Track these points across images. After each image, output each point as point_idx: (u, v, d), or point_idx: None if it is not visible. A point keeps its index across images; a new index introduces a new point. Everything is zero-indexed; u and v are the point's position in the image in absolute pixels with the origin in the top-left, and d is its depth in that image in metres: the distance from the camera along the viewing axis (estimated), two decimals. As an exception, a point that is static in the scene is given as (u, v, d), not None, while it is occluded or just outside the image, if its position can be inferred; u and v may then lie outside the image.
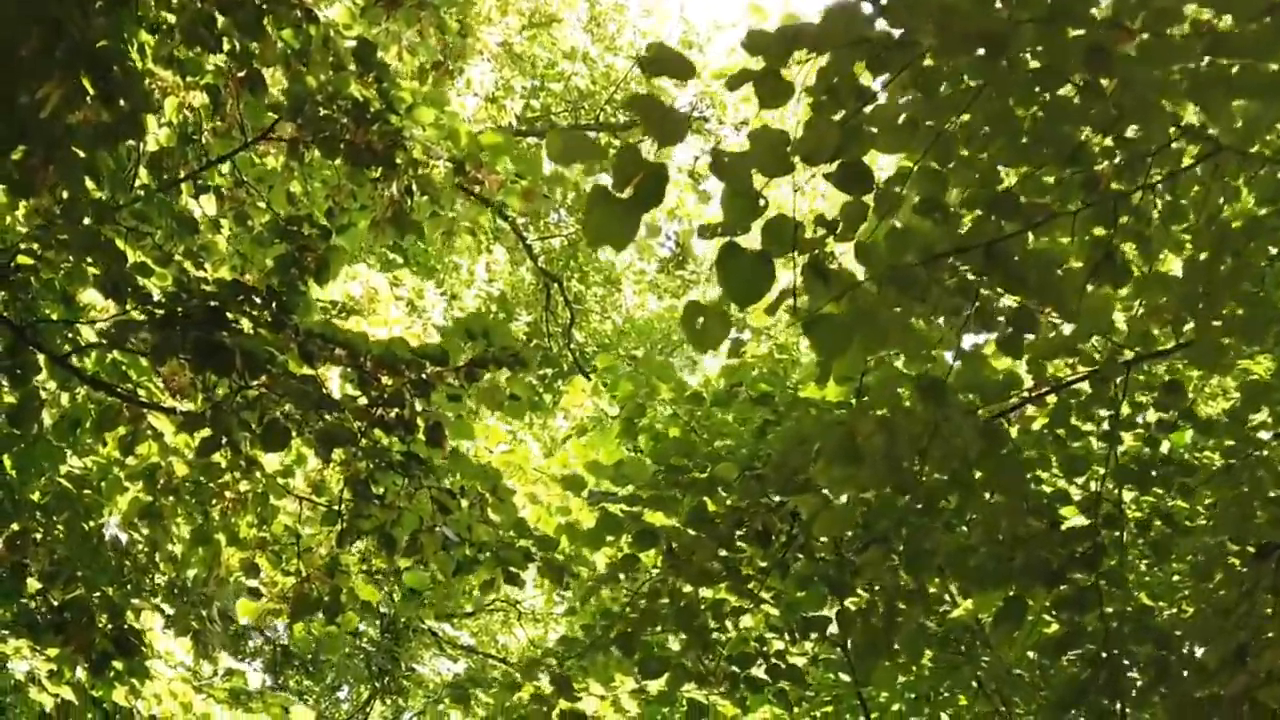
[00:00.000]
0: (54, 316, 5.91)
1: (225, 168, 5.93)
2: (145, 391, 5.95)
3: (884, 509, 4.68)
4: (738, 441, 6.40)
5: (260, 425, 5.15)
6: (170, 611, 7.40)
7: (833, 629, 7.42)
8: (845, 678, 7.95)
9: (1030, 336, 4.62)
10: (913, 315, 4.28)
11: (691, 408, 6.80)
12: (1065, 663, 6.09)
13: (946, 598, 8.35)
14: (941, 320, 4.55)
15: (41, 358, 5.80)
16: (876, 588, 6.34)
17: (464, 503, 5.43)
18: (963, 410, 4.50)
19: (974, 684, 7.81)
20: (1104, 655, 5.71)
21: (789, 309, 7.32)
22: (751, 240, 3.75)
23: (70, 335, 5.83)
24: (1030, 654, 7.85)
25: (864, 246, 3.89)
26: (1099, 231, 4.59)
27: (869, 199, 3.81)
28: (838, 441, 4.47)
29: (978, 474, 4.76)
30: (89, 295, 5.88)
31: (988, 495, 5.19)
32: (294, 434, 5.24)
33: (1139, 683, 5.74)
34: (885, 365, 4.82)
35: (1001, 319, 4.57)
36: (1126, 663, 5.77)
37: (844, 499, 4.67)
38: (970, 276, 4.29)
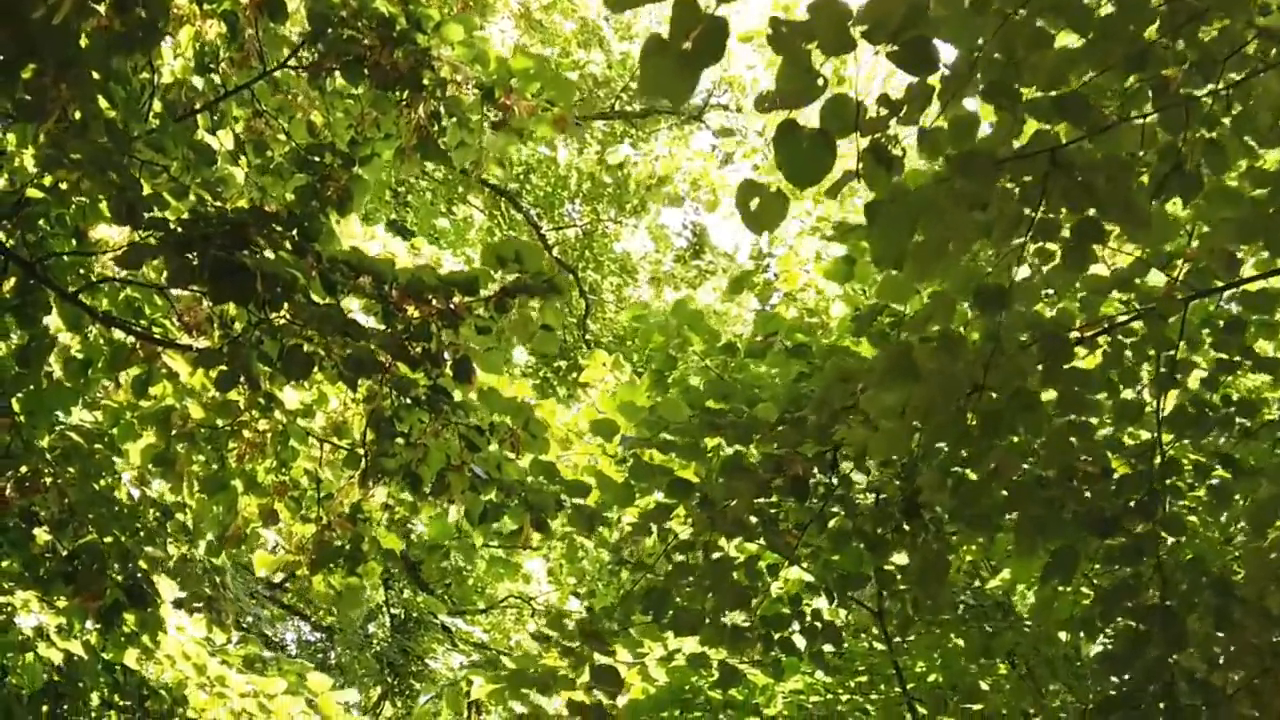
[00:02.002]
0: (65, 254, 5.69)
1: (243, 97, 5.69)
2: (160, 330, 5.72)
3: (941, 433, 4.40)
4: (773, 393, 6.16)
5: (281, 356, 4.91)
6: (181, 593, 7.17)
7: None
8: (880, 647, 7.71)
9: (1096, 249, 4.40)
10: (974, 220, 4.05)
11: (725, 359, 6.56)
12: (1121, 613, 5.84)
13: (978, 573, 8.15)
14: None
15: (52, 295, 5.58)
16: (919, 540, 6.12)
17: (493, 440, 5.18)
18: (1025, 323, 4.26)
19: (1006, 658, 7.58)
20: (1162, 605, 5.47)
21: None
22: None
23: (82, 272, 5.61)
24: (1062, 634, 7.63)
25: (928, 132, 3.67)
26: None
27: (934, 80, 3.58)
28: (893, 359, 4.23)
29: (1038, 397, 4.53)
30: (101, 230, 5.66)
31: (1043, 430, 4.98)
32: (316, 366, 5.00)
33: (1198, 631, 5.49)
34: (947, 272, 4.54)
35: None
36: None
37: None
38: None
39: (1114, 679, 5.73)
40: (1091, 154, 4.13)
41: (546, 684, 5.69)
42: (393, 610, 19.60)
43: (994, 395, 4.30)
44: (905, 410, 4.30)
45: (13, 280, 5.62)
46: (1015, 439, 4.92)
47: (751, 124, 12.29)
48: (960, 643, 7.39)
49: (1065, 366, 4.32)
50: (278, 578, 19.93)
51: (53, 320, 5.73)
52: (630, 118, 16.86)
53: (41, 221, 5.71)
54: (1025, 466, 5.39)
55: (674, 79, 3.00)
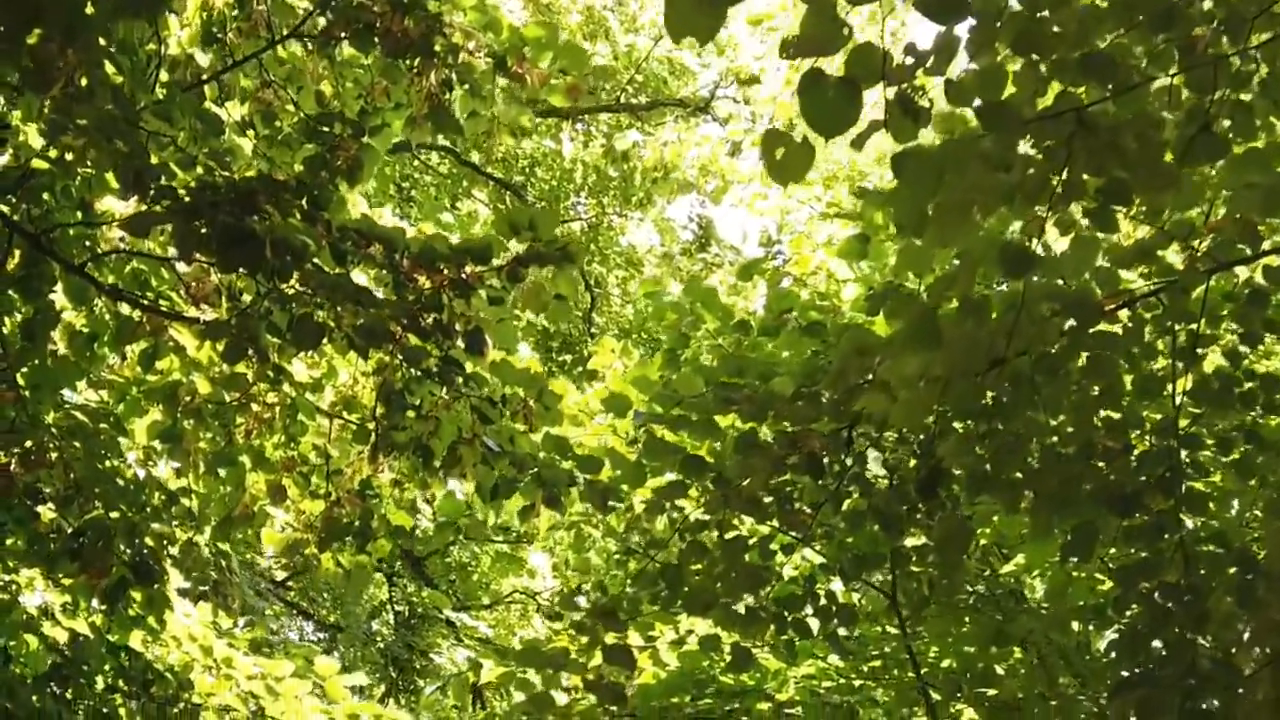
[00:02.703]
0: (71, 228, 5.61)
1: (251, 68, 5.61)
2: (167, 303, 5.64)
3: (963, 400, 4.31)
4: (788, 369, 6.07)
5: (291, 326, 4.83)
6: (187, 583, 7.09)
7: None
8: (893, 630, 7.62)
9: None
10: (999, 181, 3.97)
11: (738, 337, 6.48)
12: (1142, 591, 5.76)
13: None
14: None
15: (57, 268, 5.50)
16: (937, 515, 6.04)
17: (505, 412, 5.10)
18: (1046, 293, 4.18)
19: (1021, 645, 7.49)
20: (1184, 582, 5.39)
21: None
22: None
23: (88, 245, 5.54)
24: (1075, 624, 7.55)
25: (955, 83, 3.59)
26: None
27: (962, 30, 3.51)
28: (917, 320, 4.15)
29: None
30: (107, 202, 5.58)
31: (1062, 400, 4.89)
32: (327, 337, 4.92)
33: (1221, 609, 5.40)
34: (969, 237, 4.46)
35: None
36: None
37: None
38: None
39: (1133, 658, 5.66)
40: (1118, 114, 4.06)
41: (558, 663, 5.61)
42: (396, 607, 19.56)
43: (1017, 360, 4.23)
44: (926, 378, 4.22)
45: (17, 253, 5.55)
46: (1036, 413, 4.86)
47: (759, 113, 12.23)
48: (975, 627, 7.31)
49: (1091, 331, 4.23)
50: (280, 575, 19.91)
51: (58, 295, 5.66)
52: (636, 110, 16.78)
53: (46, 195, 5.64)
54: (1046, 442, 5.32)
55: (700, 16, 2.92)
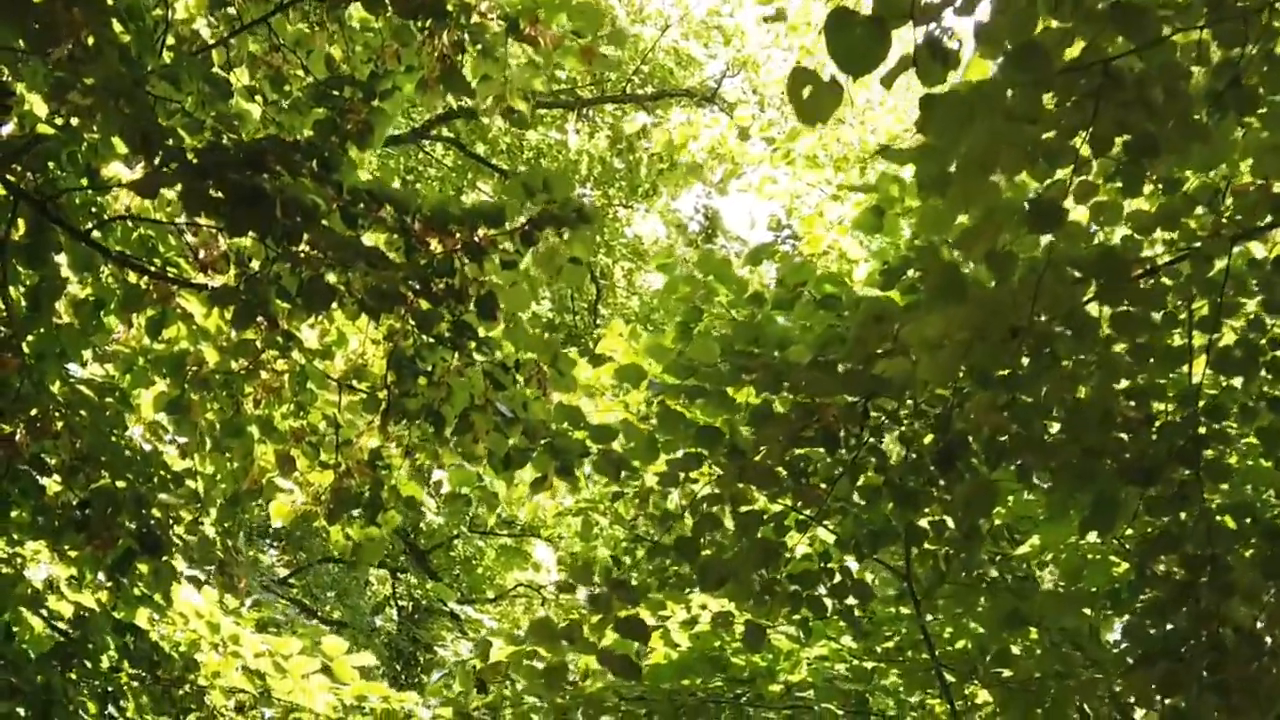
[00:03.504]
0: (77, 195, 5.53)
1: (260, 32, 5.53)
2: (174, 271, 5.56)
3: (989, 360, 4.22)
4: (804, 339, 5.98)
5: (301, 289, 4.74)
6: (193, 570, 7.01)
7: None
8: (906, 611, 7.53)
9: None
10: (1026, 133, 3.89)
11: (752, 310, 6.39)
12: (1159, 571, 5.68)
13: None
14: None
15: (63, 235, 5.42)
16: (948, 497, 5.95)
17: (519, 378, 5.02)
18: (1073, 253, 4.10)
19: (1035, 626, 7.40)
20: (1207, 554, 5.31)
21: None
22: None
23: (94, 211, 5.46)
24: (1088, 609, 7.46)
25: (984, 26, 3.51)
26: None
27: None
28: (942, 276, 4.07)
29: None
30: (114, 169, 5.50)
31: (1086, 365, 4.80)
32: (337, 301, 4.84)
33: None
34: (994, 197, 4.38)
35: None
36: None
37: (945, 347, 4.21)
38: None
39: (1156, 631, 5.57)
40: (1146, 66, 3.98)
41: (571, 635, 5.52)
42: (400, 602, 19.48)
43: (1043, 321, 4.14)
44: (950, 338, 4.14)
45: (22, 221, 5.47)
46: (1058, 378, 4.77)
47: (767, 97, 12.15)
48: (990, 608, 7.22)
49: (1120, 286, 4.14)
50: (283, 572, 19.82)
51: (64, 264, 5.58)
52: (642, 101, 16.70)
53: (51, 164, 5.56)
54: (1066, 412, 5.24)
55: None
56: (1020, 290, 4.18)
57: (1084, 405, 4.69)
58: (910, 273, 6.01)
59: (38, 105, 5.69)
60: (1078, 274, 4.19)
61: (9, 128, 5.82)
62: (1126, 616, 7.70)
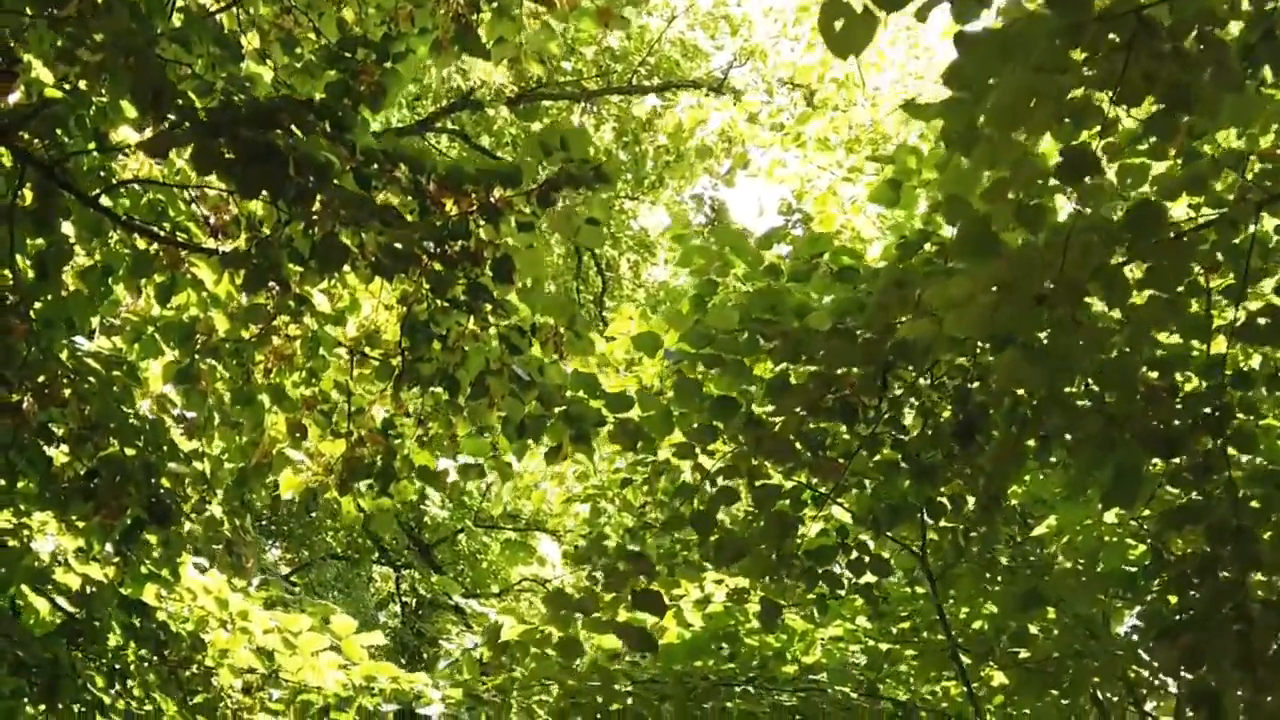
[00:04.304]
0: (85, 160, 5.45)
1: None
2: (184, 235, 5.47)
3: (1019, 319, 4.12)
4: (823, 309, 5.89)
5: (314, 250, 4.66)
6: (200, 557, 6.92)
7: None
8: (921, 590, 7.45)
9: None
10: (1057, 82, 3.81)
11: (769, 282, 6.30)
12: (1186, 537, 5.60)
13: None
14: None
15: (70, 200, 5.34)
16: (967, 470, 5.88)
17: (535, 341, 4.93)
18: (1112, 191, 4.01)
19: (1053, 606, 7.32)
20: (1232, 525, 5.22)
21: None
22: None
23: (102, 175, 5.38)
24: (1102, 596, 7.38)
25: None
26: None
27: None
28: (971, 230, 3.98)
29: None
30: (123, 133, 5.42)
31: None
32: (350, 263, 4.75)
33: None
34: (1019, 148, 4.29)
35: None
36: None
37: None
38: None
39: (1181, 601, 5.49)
40: (1180, 12, 3.89)
41: (586, 607, 5.44)
42: (404, 599, 19.38)
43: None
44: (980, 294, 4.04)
45: (29, 187, 5.39)
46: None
47: (776, 86, 12.08)
48: (1007, 587, 7.14)
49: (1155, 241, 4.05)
50: (285, 570, 19.72)
51: (71, 230, 5.50)
52: (648, 92, 16.62)
53: (60, 131, 5.48)
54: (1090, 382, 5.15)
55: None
56: (1050, 248, 4.09)
57: (1109, 369, 4.59)
58: (927, 246, 5.93)
59: (45, 76, 5.61)
60: (1106, 228, 4.10)
61: (16, 96, 5.74)
62: (1138, 609, 7.64)
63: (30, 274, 5.38)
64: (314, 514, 18.75)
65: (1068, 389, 5.04)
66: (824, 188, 10.01)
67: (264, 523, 19.10)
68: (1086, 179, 3.90)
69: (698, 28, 15.85)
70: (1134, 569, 7.35)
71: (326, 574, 19.94)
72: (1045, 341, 4.46)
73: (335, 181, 4.59)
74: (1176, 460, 5.42)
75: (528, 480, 11.37)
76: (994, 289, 4.02)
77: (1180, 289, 4.23)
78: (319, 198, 4.59)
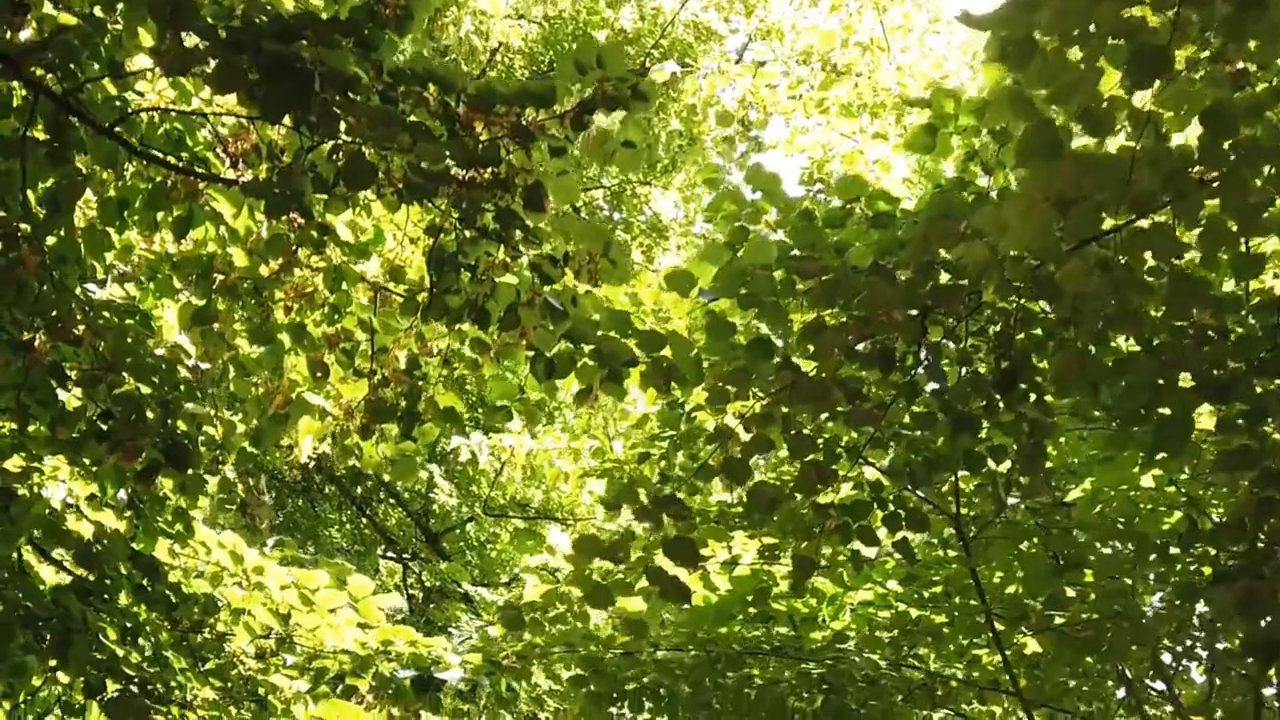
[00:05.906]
0: (100, 91, 5.27)
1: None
2: (202, 167, 5.29)
3: (1085, 226, 3.92)
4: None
5: (339, 172, 4.48)
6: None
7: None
8: (954, 553, 7.25)
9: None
10: None
11: (803, 226, 6.10)
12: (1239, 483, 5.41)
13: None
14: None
15: (85, 131, 5.16)
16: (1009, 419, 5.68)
17: (568, 271, 4.74)
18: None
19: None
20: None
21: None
22: None
23: (118, 106, 5.20)
24: (1132, 576, 7.20)
25: None
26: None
27: None
28: (1037, 131, 3.79)
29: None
30: (140, 62, 5.24)
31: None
32: (376, 188, 4.57)
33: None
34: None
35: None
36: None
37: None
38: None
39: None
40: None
41: (616, 555, 5.24)
42: (411, 591, 19.17)
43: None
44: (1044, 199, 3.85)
45: (42, 118, 5.22)
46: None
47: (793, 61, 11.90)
48: (1043, 549, 6.95)
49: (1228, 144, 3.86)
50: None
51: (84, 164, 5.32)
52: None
53: (72, 66, 5.30)
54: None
55: None
56: (1119, 153, 3.91)
57: (1179, 286, 4.35)
58: (964, 193, 5.76)
59: (59, 16, 5.44)
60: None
61: (27, 32, 5.57)
62: (1158, 595, 7.47)
63: (42, 211, 5.20)
64: (318, 509, 18.58)
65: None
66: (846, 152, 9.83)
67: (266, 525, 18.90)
68: (1158, 81, 3.71)
69: (712, 9, 15.68)
70: (1167, 540, 7.18)
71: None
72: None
73: (367, 95, 4.41)
74: (1226, 406, 5.25)
75: (545, 457, 11.17)
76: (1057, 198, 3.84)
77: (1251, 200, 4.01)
78: (346, 116, 4.40)
